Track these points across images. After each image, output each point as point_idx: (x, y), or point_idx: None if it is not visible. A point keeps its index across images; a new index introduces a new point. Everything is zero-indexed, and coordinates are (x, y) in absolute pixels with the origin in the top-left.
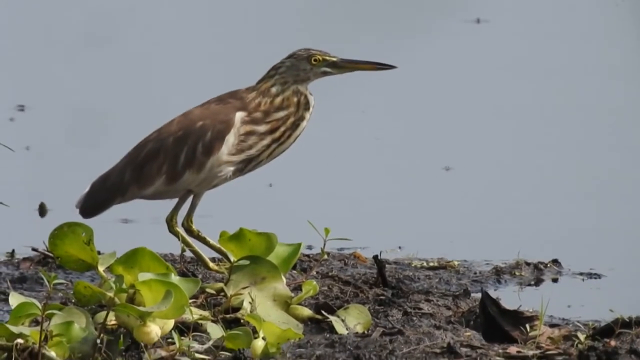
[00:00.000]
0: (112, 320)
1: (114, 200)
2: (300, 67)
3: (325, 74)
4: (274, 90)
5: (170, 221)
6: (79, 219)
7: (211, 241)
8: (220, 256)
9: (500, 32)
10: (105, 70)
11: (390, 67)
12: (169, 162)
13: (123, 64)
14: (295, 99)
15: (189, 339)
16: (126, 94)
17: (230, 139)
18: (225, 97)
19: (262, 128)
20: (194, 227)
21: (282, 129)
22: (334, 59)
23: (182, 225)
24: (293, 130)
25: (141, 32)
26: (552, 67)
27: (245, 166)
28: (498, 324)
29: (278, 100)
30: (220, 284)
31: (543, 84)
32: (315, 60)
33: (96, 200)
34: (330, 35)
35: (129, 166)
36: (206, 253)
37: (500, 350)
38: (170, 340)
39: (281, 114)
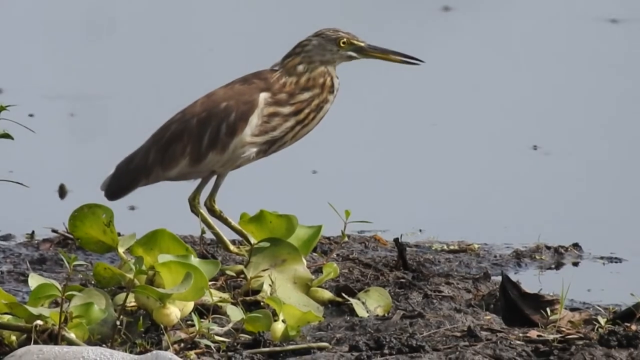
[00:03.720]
0: (131, 302)
1: (138, 182)
2: (327, 48)
3: (350, 58)
4: (300, 68)
5: (192, 201)
6: (99, 200)
7: (232, 222)
8: (241, 238)
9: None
10: (117, 54)
11: (418, 61)
12: (192, 143)
13: (138, 49)
14: (321, 80)
15: (209, 321)
16: (137, 79)
17: (254, 120)
18: (250, 77)
19: (286, 110)
20: (217, 207)
21: (307, 110)
22: (362, 44)
23: (205, 205)
24: (317, 112)
25: (152, 15)
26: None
27: (269, 147)
28: (518, 307)
29: (303, 79)
30: (240, 266)
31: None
32: (343, 42)
33: (121, 182)
34: (365, 19)
35: (153, 148)
36: (227, 235)
37: (521, 334)
38: (189, 322)
39: (306, 95)
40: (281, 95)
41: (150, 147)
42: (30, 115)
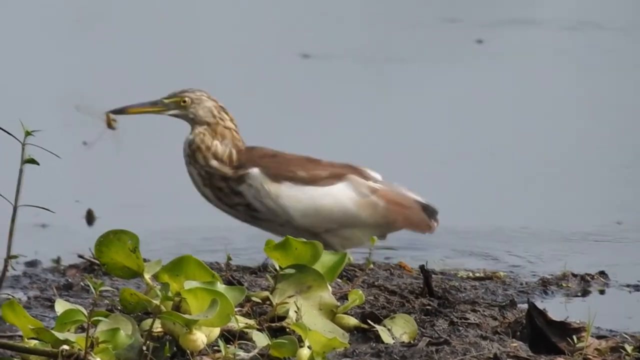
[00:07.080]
0: (158, 327)
1: None
2: None
3: None
4: None
5: None
6: (126, 226)
7: None
8: (266, 261)
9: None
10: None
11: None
12: None
13: (140, 52)
14: None
15: (235, 347)
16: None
17: None
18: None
19: None
20: None
21: None
22: None
23: None
24: None
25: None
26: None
27: None
28: (545, 335)
29: None
30: (266, 293)
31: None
32: None
33: None
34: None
35: None
36: None
37: None
38: (216, 348)
39: None
40: None
41: None
42: (84, 143)
